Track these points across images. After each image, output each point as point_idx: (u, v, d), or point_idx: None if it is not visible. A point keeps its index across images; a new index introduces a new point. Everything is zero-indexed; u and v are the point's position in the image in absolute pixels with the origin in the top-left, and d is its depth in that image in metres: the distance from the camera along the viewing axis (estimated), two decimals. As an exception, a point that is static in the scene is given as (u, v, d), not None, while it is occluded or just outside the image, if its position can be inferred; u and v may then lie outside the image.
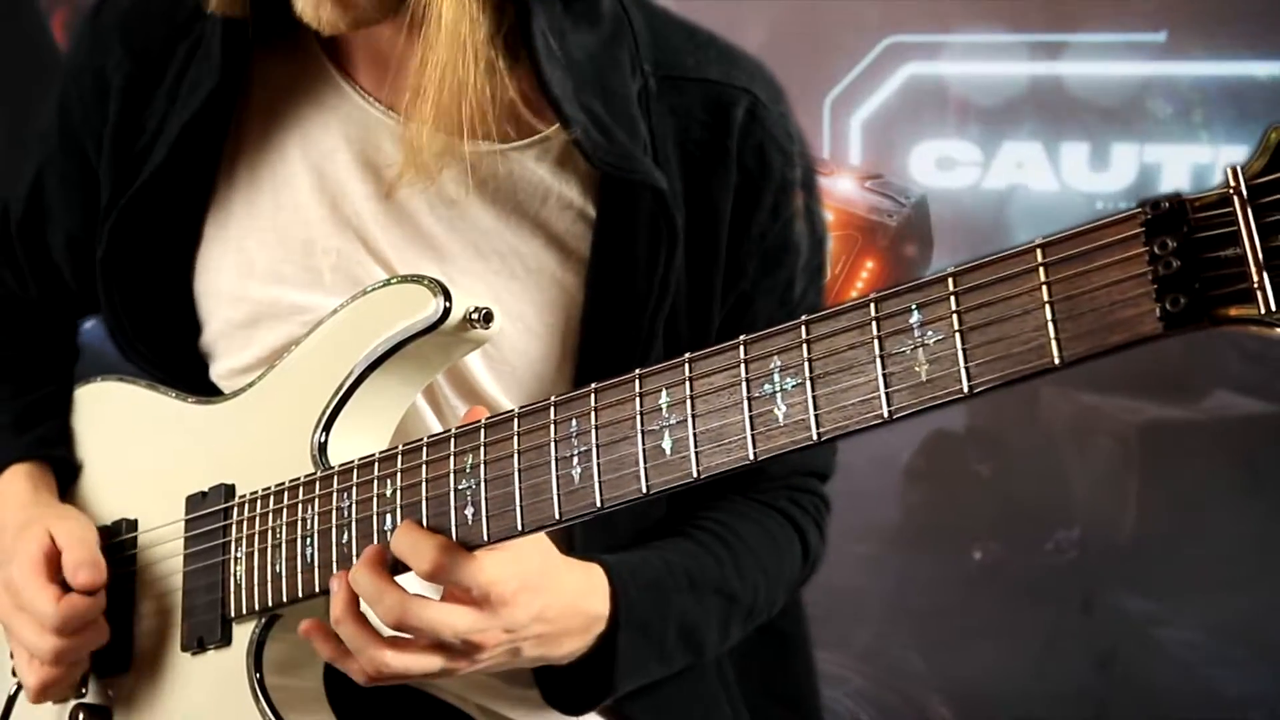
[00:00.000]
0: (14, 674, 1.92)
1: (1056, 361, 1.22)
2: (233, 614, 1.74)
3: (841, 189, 4.24)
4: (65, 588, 1.80)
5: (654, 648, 1.74)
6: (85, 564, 1.80)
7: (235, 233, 1.87)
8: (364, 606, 1.59)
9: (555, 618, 1.61)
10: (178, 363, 1.93)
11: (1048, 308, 1.22)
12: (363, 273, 1.80)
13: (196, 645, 1.77)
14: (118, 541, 1.89)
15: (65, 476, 1.98)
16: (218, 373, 1.92)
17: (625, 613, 1.68)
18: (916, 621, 4.46)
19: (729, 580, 1.82)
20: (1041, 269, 1.23)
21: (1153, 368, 4.12)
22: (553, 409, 1.50)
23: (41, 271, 2.07)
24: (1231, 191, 1.16)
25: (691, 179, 1.81)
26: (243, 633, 1.73)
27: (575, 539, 1.75)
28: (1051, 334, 1.22)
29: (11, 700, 1.93)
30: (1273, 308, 1.14)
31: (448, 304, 1.64)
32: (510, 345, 1.81)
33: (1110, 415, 4.49)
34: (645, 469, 1.42)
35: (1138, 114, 4.24)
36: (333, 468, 1.68)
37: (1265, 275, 1.14)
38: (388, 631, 1.57)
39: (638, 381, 1.44)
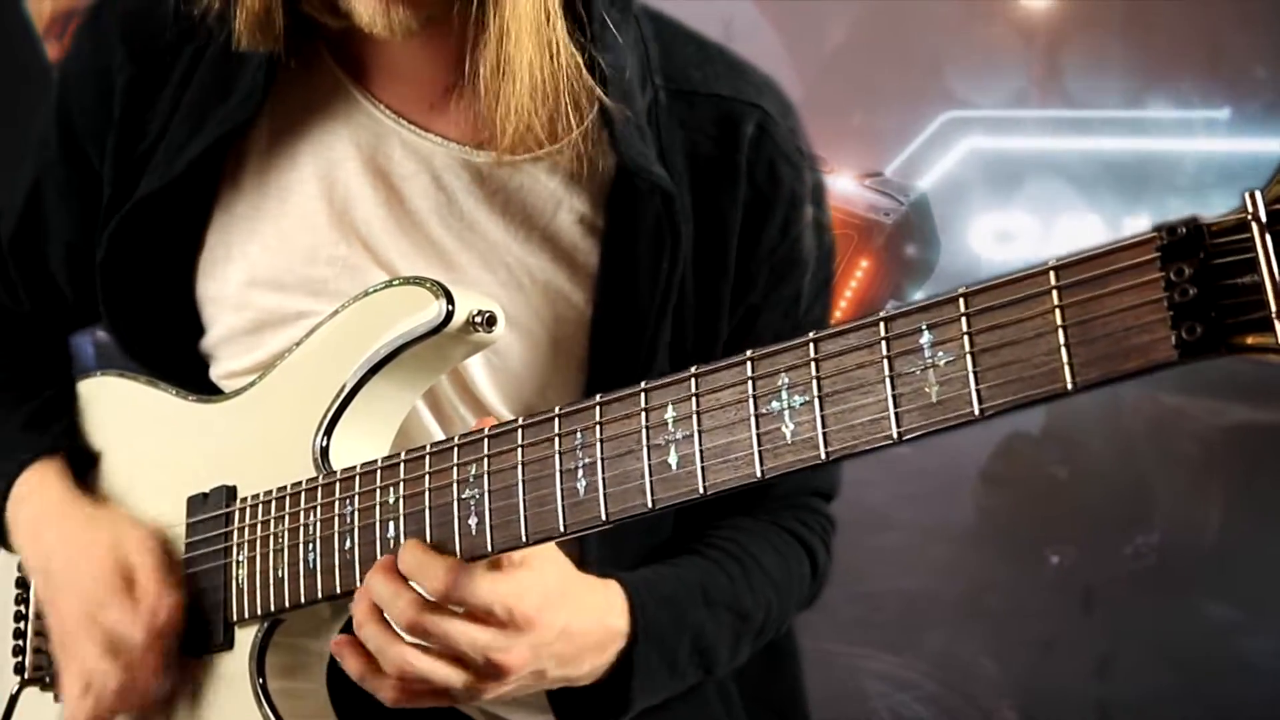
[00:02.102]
0: (15, 671, 1.96)
1: (1069, 387, 1.23)
2: (235, 618, 1.77)
3: (839, 187, 4.25)
4: None
5: (667, 663, 1.77)
6: (170, 590, 1.81)
7: (239, 239, 1.90)
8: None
9: (578, 634, 1.64)
10: (178, 363, 1.96)
11: (1061, 331, 1.23)
12: (368, 280, 1.81)
13: (199, 648, 1.81)
14: None
15: (80, 472, 2.00)
16: (218, 374, 1.95)
17: (643, 626, 1.71)
18: (989, 626, 4.47)
19: (741, 598, 1.85)
20: (1055, 292, 1.23)
21: (1239, 368, 4.07)
22: (557, 420, 1.52)
23: (36, 284, 2.11)
24: (1250, 217, 1.16)
25: (700, 192, 1.84)
26: (245, 636, 1.77)
27: (587, 556, 1.77)
28: (1064, 358, 1.23)
29: (14, 699, 1.97)
30: (1292, 337, 1.14)
31: (450, 307, 1.66)
32: (516, 357, 1.84)
33: (1194, 417, 4.46)
34: (651, 483, 1.44)
35: (1200, 189, 4.25)
36: (335, 473, 1.71)
37: (1285, 304, 1.14)
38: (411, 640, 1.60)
39: (643, 395, 1.46)
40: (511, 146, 1.75)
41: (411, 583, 1.59)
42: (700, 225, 1.83)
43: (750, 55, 2.00)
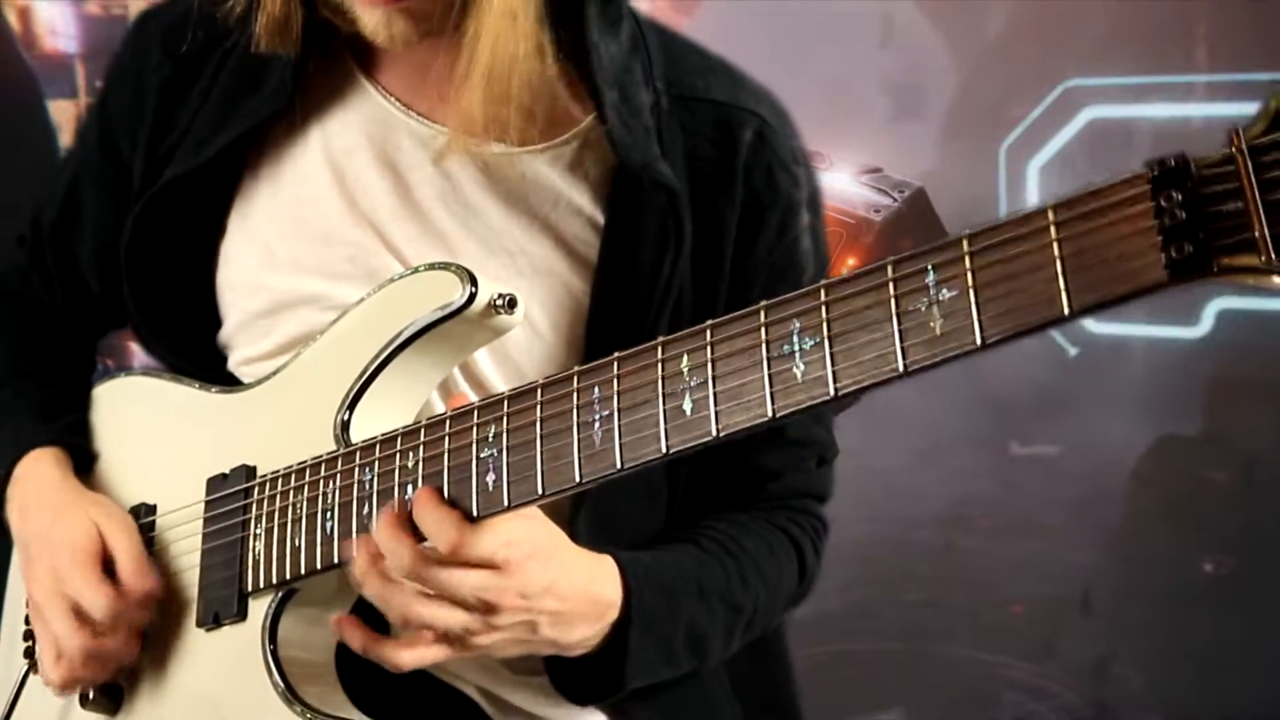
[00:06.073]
0: (25, 655, 2.02)
1: (1066, 312, 1.33)
2: (249, 589, 1.85)
3: (835, 184, 4.25)
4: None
5: (663, 649, 1.86)
6: (147, 574, 1.93)
7: (257, 224, 2.03)
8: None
9: (568, 595, 1.73)
10: (198, 355, 2.07)
11: (1059, 262, 1.33)
12: (379, 264, 1.94)
13: (212, 621, 1.88)
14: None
15: (82, 468, 2.10)
16: (235, 361, 2.05)
17: (638, 610, 1.80)
18: (1137, 636, 4.27)
19: (734, 590, 1.94)
20: (1053, 228, 1.35)
21: None
22: (576, 378, 1.62)
23: (69, 279, 2.24)
24: (1234, 150, 1.29)
25: (699, 193, 1.95)
26: (258, 607, 1.84)
27: (577, 540, 1.83)
28: (1062, 285, 1.33)
29: (23, 681, 2.02)
30: (1273, 257, 1.26)
31: (474, 289, 1.77)
32: (515, 344, 1.93)
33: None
34: (665, 429, 1.53)
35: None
36: (355, 444, 1.80)
37: (1266, 226, 1.27)
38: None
39: (660, 348, 1.56)
40: (492, 135, 1.87)
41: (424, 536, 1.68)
42: (698, 226, 1.94)
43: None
